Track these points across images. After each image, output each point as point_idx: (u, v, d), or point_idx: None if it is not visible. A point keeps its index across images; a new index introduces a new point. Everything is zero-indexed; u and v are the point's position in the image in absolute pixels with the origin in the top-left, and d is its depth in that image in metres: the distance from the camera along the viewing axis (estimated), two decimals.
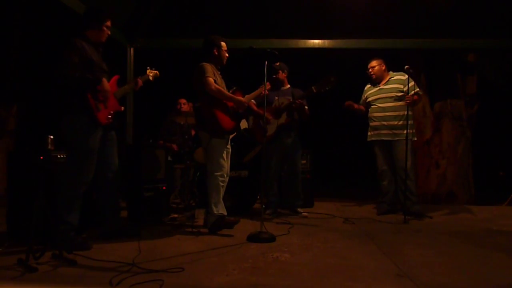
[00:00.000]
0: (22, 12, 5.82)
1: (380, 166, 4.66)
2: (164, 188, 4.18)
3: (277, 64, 4.40)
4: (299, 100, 4.23)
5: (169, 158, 4.55)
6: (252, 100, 4.36)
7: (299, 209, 4.51)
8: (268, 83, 3.84)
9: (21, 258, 2.49)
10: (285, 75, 4.54)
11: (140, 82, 3.48)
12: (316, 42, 5.54)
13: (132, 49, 5.65)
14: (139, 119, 5.86)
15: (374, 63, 4.65)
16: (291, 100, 4.34)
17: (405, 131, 4.27)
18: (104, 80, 3.06)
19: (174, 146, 5.27)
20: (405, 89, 4.39)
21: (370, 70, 4.66)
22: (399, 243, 3.24)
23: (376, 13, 5.18)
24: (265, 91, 3.64)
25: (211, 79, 3.56)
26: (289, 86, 4.55)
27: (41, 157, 3.09)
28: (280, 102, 4.36)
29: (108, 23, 3.26)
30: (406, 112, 4.38)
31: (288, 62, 4.61)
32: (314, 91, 4.13)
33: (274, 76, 4.41)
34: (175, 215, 4.26)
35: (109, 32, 3.29)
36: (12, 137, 6.05)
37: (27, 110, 6.04)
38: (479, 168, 5.94)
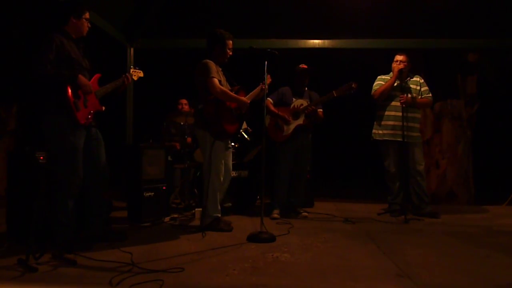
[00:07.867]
0: (22, 11, 5.81)
1: (391, 167, 4.51)
2: (164, 188, 4.17)
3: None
4: (313, 106, 4.29)
5: (169, 158, 4.54)
6: (269, 99, 4.38)
7: (299, 209, 4.51)
8: (269, 76, 3.75)
9: (21, 258, 2.49)
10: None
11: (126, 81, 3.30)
12: (316, 42, 5.54)
13: (132, 49, 5.64)
14: (139, 119, 5.86)
15: (405, 57, 4.44)
16: (309, 102, 4.36)
17: (419, 133, 4.36)
18: (80, 76, 2.90)
19: (177, 144, 5.28)
20: (421, 90, 4.49)
21: (398, 62, 4.43)
22: (399, 243, 3.24)
23: (376, 13, 5.18)
24: (265, 88, 3.60)
25: (215, 80, 3.49)
26: (306, 88, 4.55)
27: (41, 157, 3.09)
28: (299, 104, 4.37)
29: (87, 15, 3.06)
30: (419, 114, 4.44)
31: (288, 62, 4.61)
32: (335, 95, 4.19)
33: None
34: (175, 215, 4.26)
35: (89, 25, 3.11)
36: (12, 137, 6.04)
37: (27, 110, 6.02)
38: (479, 168, 5.93)
